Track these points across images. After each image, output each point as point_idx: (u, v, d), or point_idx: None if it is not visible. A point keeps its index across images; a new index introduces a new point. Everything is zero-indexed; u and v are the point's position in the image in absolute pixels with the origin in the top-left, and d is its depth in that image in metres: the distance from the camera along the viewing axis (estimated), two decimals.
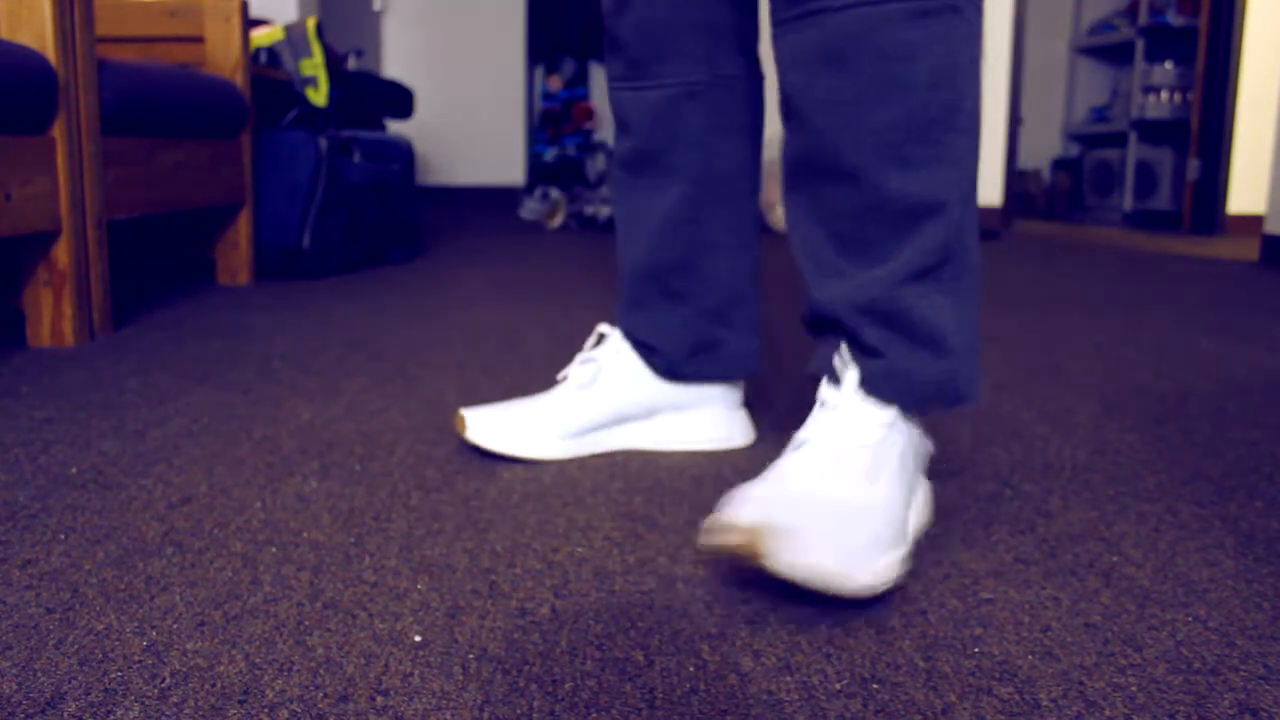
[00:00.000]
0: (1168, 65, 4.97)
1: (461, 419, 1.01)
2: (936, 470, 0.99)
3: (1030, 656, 0.63)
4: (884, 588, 0.67)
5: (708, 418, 1.06)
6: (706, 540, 0.66)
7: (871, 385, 0.78)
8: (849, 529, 0.67)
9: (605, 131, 5.75)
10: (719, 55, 0.96)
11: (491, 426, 1.01)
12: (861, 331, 0.78)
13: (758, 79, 1.00)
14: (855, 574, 0.65)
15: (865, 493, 0.72)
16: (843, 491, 0.71)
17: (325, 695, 0.58)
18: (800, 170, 0.82)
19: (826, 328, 0.83)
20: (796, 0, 0.76)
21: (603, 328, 1.08)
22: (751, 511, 0.64)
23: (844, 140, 0.76)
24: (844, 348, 0.81)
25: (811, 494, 0.70)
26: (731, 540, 0.62)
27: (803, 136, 0.80)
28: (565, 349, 1.58)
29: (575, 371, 1.05)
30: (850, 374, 0.79)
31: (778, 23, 0.79)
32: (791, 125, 0.81)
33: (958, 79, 0.74)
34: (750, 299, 1.04)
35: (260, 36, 2.56)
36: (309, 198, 2.39)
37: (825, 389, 0.81)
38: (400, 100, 3.26)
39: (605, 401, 1.03)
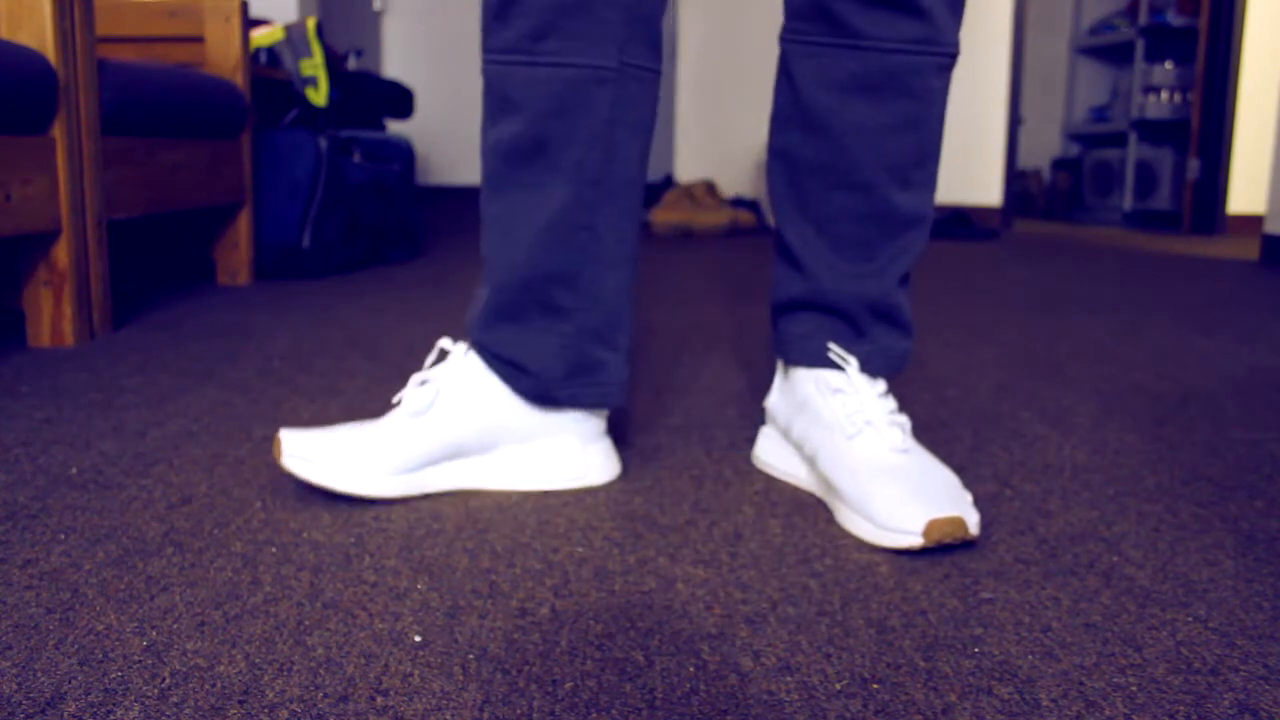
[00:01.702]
0: (1168, 65, 4.97)
1: (278, 442, 0.88)
2: None
3: (1030, 656, 0.63)
4: None
5: (558, 451, 0.94)
6: (930, 538, 0.78)
7: (864, 364, 0.93)
8: (962, 493, 0.85)
9: None
10: (633, 42, 0.87)
11: (310, 454, 0.88)
12: (861, 320, 0.92)
13: (660, 76, 0.93)
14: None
15: (930, 458, 0.90)
16: (932, 463, 0.88)
17: (325, 695, 0.58)
18: (811, 175, 0.91)
19: (811, 311, 0.94)
20: (844, 32, 0.86)
21: (444, 343, 0.95)
22: (945, 506, 0.80)
23: (865, 158, 0.88)
24: (832, 344, 0.93)
25: (938, 477, 0.85)
26: (952, 531, 0.78)
27: (822, 147, 0.90)
28: None
29: (410, 395, 0.92)
30: (852, 361, 0.92)
31: (809, 44, 0.88)
32: (810, 135, 0.90)
33: (944, 120, 0.91)
34: (628, 320, 0.96)
35: (260, 36, 2.56)
36: (309, 198, 2.39)
37: (829, 375, 0.93)
38: (400, 100, 3.26)
39: (439, 432, 0.90)
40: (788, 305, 0.96)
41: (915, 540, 0.78)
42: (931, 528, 0.78)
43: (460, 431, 0.91)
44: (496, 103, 0.88)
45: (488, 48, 0.88)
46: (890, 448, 0.87)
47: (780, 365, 1.00)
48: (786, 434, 0.97)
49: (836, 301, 0.92)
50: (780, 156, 0.93)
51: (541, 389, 0.92)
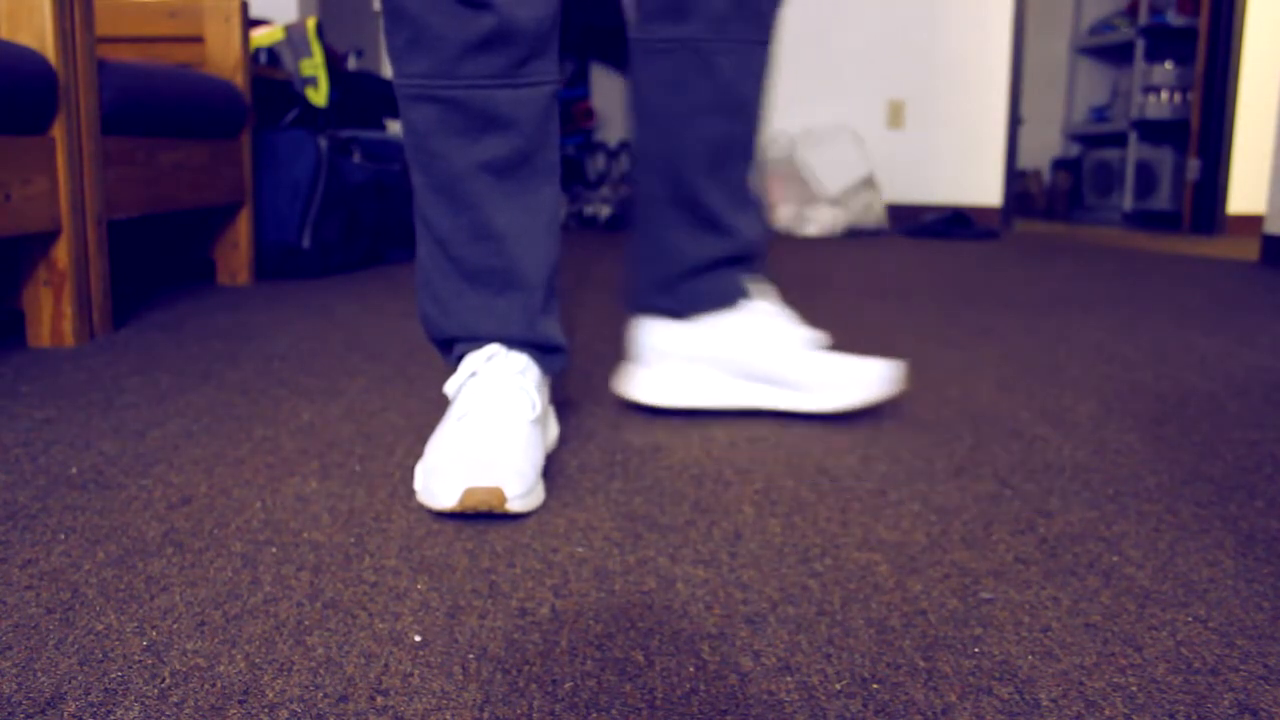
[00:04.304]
0: (1168, 65, 4.97)
1: (500, 494, 0.84)
2: (936, 470, 0.99)
3: (1030, 656, 0.63)
4: None
5: (551, 415, 1.06)
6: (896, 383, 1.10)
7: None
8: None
9: (605, 131, 5.75)
10: (557, 55, 1.01)
11: (522, 485, 0.86)
12: (758, 256, 1.17)
13: None
14: None
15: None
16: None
17: (325, 695, 0.58)
18: (731, 146, 1.12)
19: (734, 264, 1.16)
20: (763, 27, 1.10)
21: (487, 351, 0.98)
22: (884, 362, 1.14)
23: (757, 127, 1.15)
24: (750, 281, 1.17)
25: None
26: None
27: (741, 122, 1.12)
28: None
29: (514, 401, 0.95)
30: (768, 289, 1.20)
31: (736, 42, 1.09)
32: (732, 116, 1.11)
33: None
34: None
35: (260, 36, 2.56)
36: (309, 198, 2.39)
37: (759, 304, 1.17)
38: None
39: (548, 427, 1.03)
40: (709, 265, 1.14)
41: (897, 383, 1.12)
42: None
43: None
44: (488, 123, 0.95)
45: (470, 75, 0.93)
46: (806, 341, 1.16)
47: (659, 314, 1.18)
48: (699, 364, 1.16)
49: (758, 248, 1.15)
50: (706, 141, 1.11)
51: (563, 360, 1.06)
